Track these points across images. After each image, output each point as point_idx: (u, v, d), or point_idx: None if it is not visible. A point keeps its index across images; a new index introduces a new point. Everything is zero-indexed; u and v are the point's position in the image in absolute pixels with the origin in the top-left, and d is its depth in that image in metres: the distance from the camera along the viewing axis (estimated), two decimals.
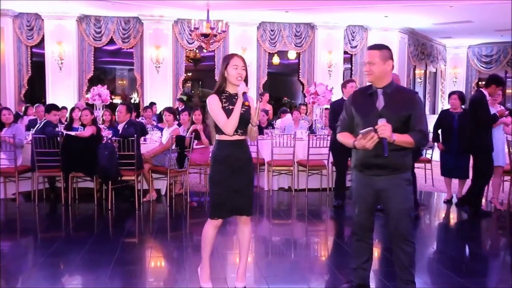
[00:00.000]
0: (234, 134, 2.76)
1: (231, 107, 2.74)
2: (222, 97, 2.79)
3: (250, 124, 2.81)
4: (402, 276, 2.74)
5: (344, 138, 2.74)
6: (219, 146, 2.82)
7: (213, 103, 2.76)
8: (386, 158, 2.49)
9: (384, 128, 2.43)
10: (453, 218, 5.35)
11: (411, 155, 2.74)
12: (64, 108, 7.84)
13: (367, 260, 2.86)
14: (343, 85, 5.45)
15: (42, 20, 9.39)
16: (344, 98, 5.26)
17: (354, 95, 2.80)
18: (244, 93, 2.71)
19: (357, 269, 2.89)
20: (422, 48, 11.94)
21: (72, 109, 6.63)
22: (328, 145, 5.98)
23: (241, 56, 2.84)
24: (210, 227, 2.88)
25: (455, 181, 5.84)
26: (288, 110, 8.89)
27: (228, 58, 2.79)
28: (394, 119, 2.51)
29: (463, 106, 5.61)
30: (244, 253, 2.99)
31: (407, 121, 2.57)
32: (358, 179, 2.75)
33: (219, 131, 2.80)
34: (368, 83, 2.75)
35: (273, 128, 7.10)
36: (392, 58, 2.65)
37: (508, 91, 12.59)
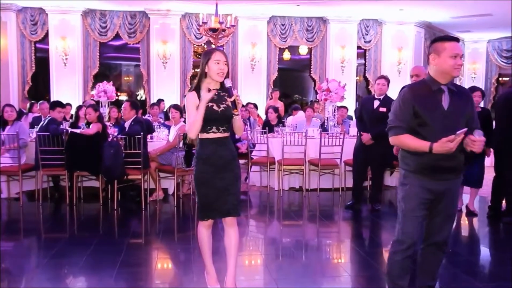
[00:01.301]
0: (217, 132, 2.70)
1: (210, 104, 2.67)
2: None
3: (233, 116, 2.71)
4: (424, 280, 2.65)
5: (411, 141, 2.37)
6: (202, 144, 2.74)
7: (189, 101, 2.68)
8: (456, 160, 2.41)
9: (480, 143, 2.27)
10: (466, 220, 5.13)
11: None
12: (69, 104, 7.73)
13: (410, 278, 2.59)
14: (375, 81, 5.43)
15: (46, 14, 9.27)
16: (376, 96, 5.16)
17: (415, 92, 2.44)
18: (230, 87, 2.66)
19: None
20: None
21: (79, 108, 6.52)
22: (340, 144, 5.87)
23: (223, 51, 2.78)
24: (202, 228, 2.84)
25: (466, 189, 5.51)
26: (300, 107, 8.67)
27: (209, 53, 2.70)
28: (460, 118, 2.39)
29: (481, 105, 5.36)
30: (232, 260, 2.83)
31: (468, 120, 2.44)
32: (417, 184, 2.44)
33: (201, 129, 2.69)
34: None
35: (284, 126, 6.93)
36: None
37: None
